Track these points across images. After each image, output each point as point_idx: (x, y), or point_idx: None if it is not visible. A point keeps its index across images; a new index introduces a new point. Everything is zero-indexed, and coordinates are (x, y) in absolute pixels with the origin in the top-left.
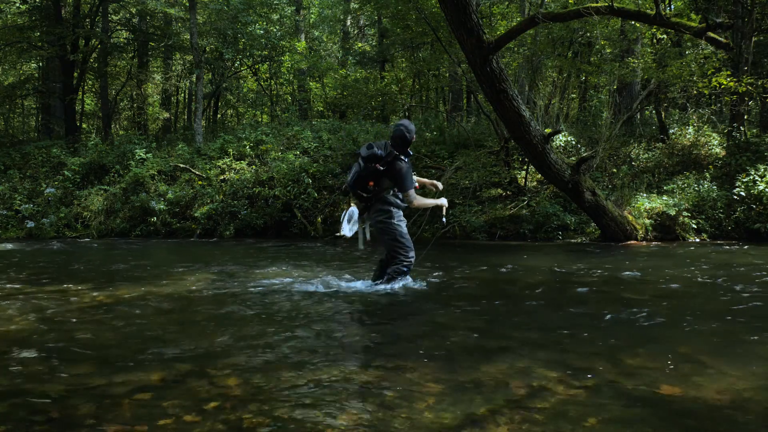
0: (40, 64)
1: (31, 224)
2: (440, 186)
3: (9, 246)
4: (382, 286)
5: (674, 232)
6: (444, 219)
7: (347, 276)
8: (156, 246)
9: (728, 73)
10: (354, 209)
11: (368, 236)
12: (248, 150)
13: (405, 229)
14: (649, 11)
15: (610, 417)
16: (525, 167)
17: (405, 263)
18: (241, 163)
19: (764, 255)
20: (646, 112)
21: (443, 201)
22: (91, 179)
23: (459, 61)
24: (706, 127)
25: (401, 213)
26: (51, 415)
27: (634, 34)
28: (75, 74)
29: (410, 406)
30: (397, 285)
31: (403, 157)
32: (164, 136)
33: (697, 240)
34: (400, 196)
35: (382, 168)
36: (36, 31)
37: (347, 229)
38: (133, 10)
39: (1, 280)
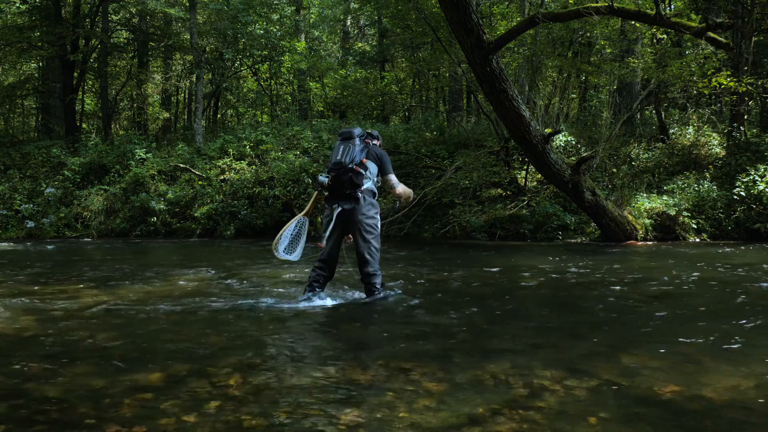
0: (40, 64)
1: (31, 224)
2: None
3: (9, 246)
4: (372, 298)
5: (674, 232)
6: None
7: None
8: (156, 246)
9: (728, 73)
10: (305, 220)
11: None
12: (248, 150)
13: None
14: (649, 11)
15: (610, 417)
16: (525, 167)
17: (379, 275)
18: (241, 163)
19: (764, 255)
20: (646, 112)
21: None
22: (91, 179)
23: (459, 61)
24: (706, 127)
25: None
26: (51, 415)
27: (634, 34)
28: (75, 74)
29: (410, 406)
30: (384, 294)
31: None
32: (164, 136)
33: (697, 240)
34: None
35: (371, 147)
36: (36, 31)
37: (295, 250)
38: (133, 10)
39: (1, 279)
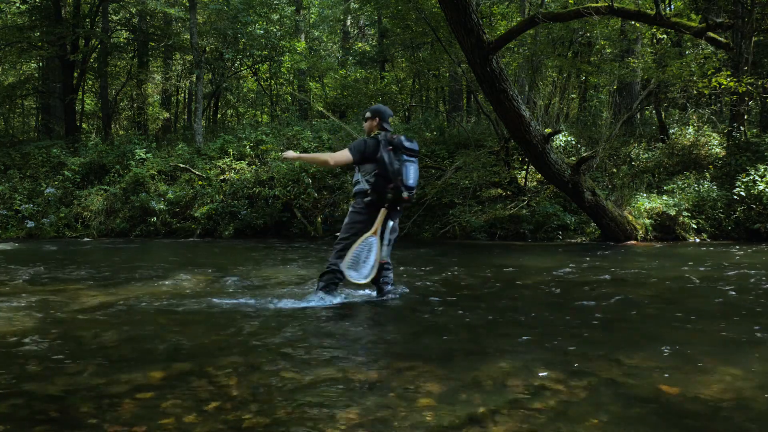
0: (40, 64)
1: (31, 224)
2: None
3: (9, 246)
4: (386, 295)
5: (674, 232)
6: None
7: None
8: (156, 246)
9: (728, 73)
10: (374, 240)
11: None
12: (248, 150)
13: None
14: (649, 11)
15: (610, 417)
16: (525, 167)
17: (391, 270)
18: (241, 163)
19: (764, 255)
20: (646, 112)
21: None
22: (91, 179)
23: (459, 61)
24: (706, 127)
25: None
26: (51, 415)
27: (634, 34)
28: (75, 74)
29: (410, 406)
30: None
31: None
32: (164, 136)
33: (697, 240)
34: None
35: None
36: (36, 31)
37: (362, 269)
38: (133, 10)
39: (1, 279)
